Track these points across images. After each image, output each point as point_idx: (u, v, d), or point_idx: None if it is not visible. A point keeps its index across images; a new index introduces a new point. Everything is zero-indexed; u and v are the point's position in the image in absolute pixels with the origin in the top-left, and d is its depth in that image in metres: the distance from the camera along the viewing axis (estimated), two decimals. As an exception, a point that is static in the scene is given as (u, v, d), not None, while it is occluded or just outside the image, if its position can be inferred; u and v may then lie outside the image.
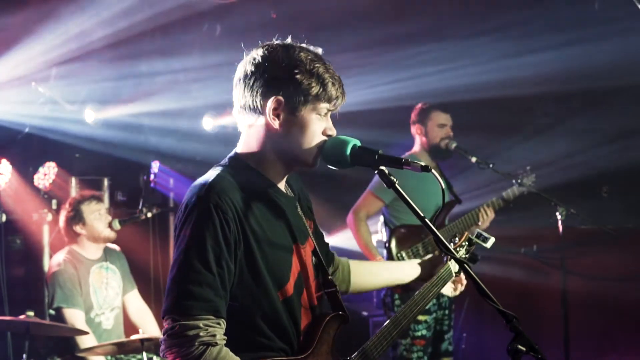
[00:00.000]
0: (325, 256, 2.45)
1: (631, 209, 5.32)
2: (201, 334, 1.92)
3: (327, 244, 2.49)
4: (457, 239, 2.67)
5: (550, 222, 4.90)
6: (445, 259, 2.61)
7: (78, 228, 4.52)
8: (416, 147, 4.76)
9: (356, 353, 2.29)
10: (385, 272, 2.67)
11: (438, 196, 4.80)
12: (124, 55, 6.04)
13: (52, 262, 4.54)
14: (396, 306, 4.50)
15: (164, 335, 1.96)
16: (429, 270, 2.64)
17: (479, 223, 4.59)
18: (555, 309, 4.89)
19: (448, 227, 4.58)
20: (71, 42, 5.53)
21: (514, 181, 4.74)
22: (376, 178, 4.61)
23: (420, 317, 4.42)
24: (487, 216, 4.61)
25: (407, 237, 4.55)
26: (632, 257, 5.22)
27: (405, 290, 4.42)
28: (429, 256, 2.72)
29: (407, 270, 2.66)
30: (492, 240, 2.64)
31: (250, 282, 2.05)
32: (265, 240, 2.07)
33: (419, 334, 4.47)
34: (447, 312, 4.61)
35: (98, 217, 4.55)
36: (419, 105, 4.82)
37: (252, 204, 2.08)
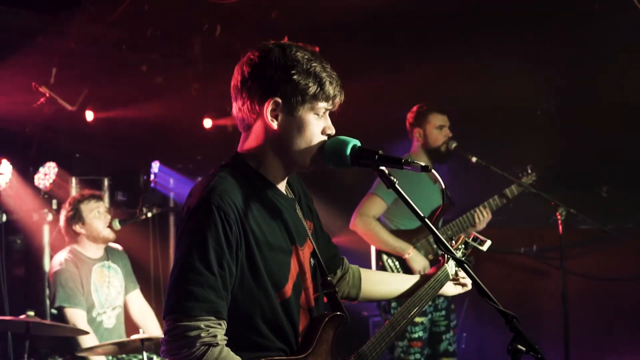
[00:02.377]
0: (332, 259, 2.45)
1: (631, 209, 5.32)
2: (202, 334, 1.92)
3: (335, 246, 2.49)
4: (453, 241, 2.68)
5: (550, 222, 4.90)
6: (441, 261, 2.61)
7: (78, 227, 4.52)
8: (415, 149, 4.74)
9: (353, 356, 2.29)
10: (396, 283, 2.63)
11: (432, 198, 4.79)
12: (124, 55, 6.05)
13: (53, 261, 4.54)
14: (392, 308, 4.49)
15: (165, 335, 1.96)
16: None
17: (476, 224, 4.58)
18: (555, 309, 4.89)
19: (443, 228, 4.58)
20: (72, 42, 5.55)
21: (515, 179, 4.75)
22: (378, 180, 4.59)
23: (417, 319, 4.42)
24: (483, 217, 4.60)
25: None
26: (632, 257, 5.22)
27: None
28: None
29: (418, 283, 2.61)
30: (488, 243, 2.64)
31: (250, 283, 2.05)
32: (264, 242, 2.08)
33: (415, 335, 4.46)
34: (443, 312, 4.61)
35: (97, 215, 4.55)
36: (415, 107, 4.79)
37: (253, 205, 2.08)
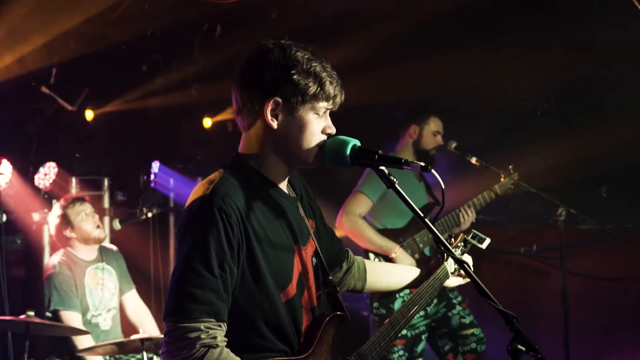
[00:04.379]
0: (337, 254, 2.46)
1: (631, 209, 5.32)
2: (202, 336, 1.92)
3: (340, 240, 2.49)
4: (452, 239, 2.69)
5: (550, 222, 4.90)
6: (441, 259, 2.61)
7: (67, 232, 4.50)
8: (402, 145, 4.73)
9: (353, 355, 2.28)
10: (400, 274, 2.64)
11: (417, 196, 4.77)
12: (124, 55, 6.06)
13: (47, 264, 4.53)
14: (375, 308, 4.51)
15: (164, 337, 1.96)
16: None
17: (460, 224, 4.57)
18: (555, 309, 4.89)
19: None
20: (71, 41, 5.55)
21: (507, 177, 4.74)
22: (364, 178, 4.60)
23: None
24: (467, 217, 4.58)
25: None
26: (632, 257, 5.22)
27: (383, 295, 4.42)
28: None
29: (422, 275, 2.62)
30: (487, 241, 2.64)
31: (252, 285, 2.05)
32: (267, 242, 2.08)
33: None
34: (435, 301, 4.60)
35: (84, 217, 4.52)
36: (419, 106, 4.81)
37: (255, 205, 2.08)
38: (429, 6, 5.39)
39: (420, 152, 4.67)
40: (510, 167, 4.80)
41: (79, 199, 4.62)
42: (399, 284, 2.63)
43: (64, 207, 4.54)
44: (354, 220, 4.51)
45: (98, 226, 4.56)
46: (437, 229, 4.57)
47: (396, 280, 2.63)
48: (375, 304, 4.50)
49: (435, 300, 4.61)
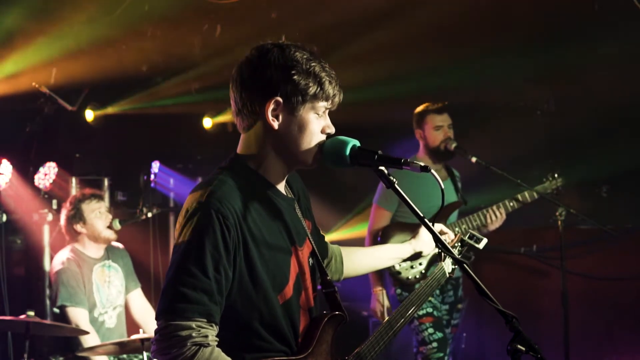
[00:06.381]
0: (324, 251, 2.47)
1: (631, 209, 5.32)
2: (193, 334, 1.92)
3: (323, 236, 2.50)
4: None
5: (550, 222, 4.90)
6: (439, 259, 2.62)
7: (78, 227, 4.53)
8: (420, 151, 4.77)
9: (351, 356, 2.28)
10: (375, 258, 2.70)
11: (437, 198, 4.77)
12: (126, 55, 6.06)
13: (55, 260, 4.54)
14: (398, 295, 4.55)
15: (155, 335, 1.96)
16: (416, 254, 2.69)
17: (487, 224, 4.53)
18: (555, 309, 4.89)
19: (456, 222, 4.57)
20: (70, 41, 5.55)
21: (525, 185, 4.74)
22: (379, 190, 4.64)
23: None
24: (495, 218, 4.57)
25: (394, 234, 4.54)
26: (632, 257, 5.22)
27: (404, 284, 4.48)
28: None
29: (393, 253, 2.68)
30: (484, 241, 2.66)
31: (249, 287, 2.05)
32: (264, 243, 2.08)
33: (422, 312, 4.46)
34: (447, 307, 4.62)
35: (98, 215, 4.55)
36: (417, 109, 4.81)
37: (252, 207, 2.08)
38: (428, 7, 5.39)
39: (433, 152, 4.67)
40: (556, 173, 4.79)
41: (96, 196, 4.64)
42: (374, 268, 2.74)
43: (80, 201, 4.54)
44: (369, 241, 4.65)
45: (109, 226, 4.57)
46: (460, 226, 4.61)
47: (370, 266, 2.71)
48: (398, 291, 4.53)
49: (447, 307, 4.63)
